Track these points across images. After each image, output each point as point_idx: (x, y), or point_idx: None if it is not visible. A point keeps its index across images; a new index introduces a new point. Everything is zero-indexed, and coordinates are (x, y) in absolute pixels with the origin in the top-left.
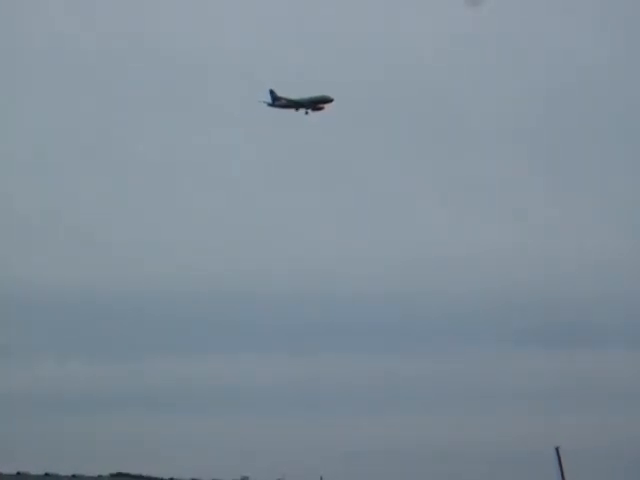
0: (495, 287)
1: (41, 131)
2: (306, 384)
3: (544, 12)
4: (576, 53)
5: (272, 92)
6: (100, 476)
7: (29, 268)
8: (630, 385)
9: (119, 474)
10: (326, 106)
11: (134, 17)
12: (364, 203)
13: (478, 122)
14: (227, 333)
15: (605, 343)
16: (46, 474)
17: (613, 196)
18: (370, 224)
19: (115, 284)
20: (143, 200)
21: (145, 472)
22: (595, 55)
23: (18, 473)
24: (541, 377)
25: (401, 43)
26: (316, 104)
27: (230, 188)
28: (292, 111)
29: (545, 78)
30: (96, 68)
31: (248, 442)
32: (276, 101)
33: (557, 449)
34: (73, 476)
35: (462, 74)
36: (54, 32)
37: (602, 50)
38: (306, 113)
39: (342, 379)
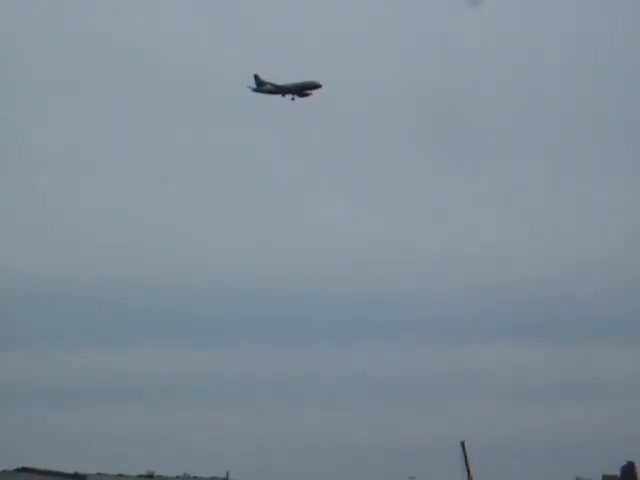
0: (494, 285)
1: (40, 130)
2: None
3: (544, 12)
4: (576, 53)
5: (257, 77)
6: (5, 471)
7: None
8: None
9: (24, 469)
10: (314, 92)
11: (134, 17)
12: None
13: (477, 122)
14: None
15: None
16: None
17: (613, 196)
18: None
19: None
20: (142, 199)
21: (51, 467)
22: (596, 55)
23: None
24: (542, 373)
25: (401, 43)
26: (303, 90)
27: (229, 187)
28: (278, 97)
29: (545, 78)
30: (95, 68)
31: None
32: (261, 86)
33: (462, 443)
34: None
35: (462, 74)
36: (53, 32)
37: (603, 50)
38: (292, 99)
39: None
